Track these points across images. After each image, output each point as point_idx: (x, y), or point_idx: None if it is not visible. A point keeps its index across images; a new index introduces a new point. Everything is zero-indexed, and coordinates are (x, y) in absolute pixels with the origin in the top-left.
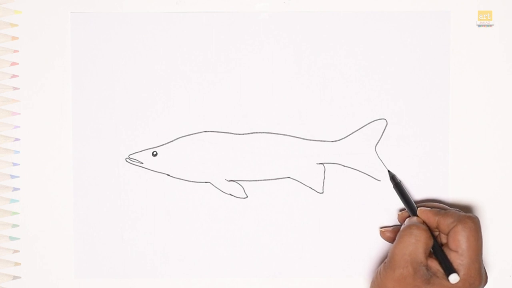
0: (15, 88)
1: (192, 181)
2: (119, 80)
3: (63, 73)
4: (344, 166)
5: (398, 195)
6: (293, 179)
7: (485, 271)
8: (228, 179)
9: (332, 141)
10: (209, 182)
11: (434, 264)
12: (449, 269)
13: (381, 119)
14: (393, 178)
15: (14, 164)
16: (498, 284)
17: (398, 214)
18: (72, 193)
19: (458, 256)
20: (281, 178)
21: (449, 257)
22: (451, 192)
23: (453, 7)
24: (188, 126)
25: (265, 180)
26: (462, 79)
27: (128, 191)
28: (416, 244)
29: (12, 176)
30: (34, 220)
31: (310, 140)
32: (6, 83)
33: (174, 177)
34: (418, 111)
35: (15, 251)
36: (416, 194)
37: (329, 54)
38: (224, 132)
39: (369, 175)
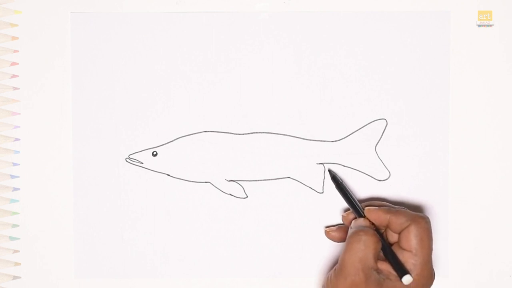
0: (15, 88)
1: (192, 181)
2: (119, 80)
3: (63, 73)
4: (344, 166)
5: (342, 196)
6: (293, 179)
7: (434, 271)
8: (228, 179)
9: (332, 141)
10: (209, 182)
11: (385, 267)
12: (401, 270)
13: (381, 119)
14: (334, 178)
15: (14, 164)
16: (498, 284)
17: (343, 216)
18: (72, 193)
19: (412, 256)
20: (281, 178)
21: (401, 257)
22: (451, 192)
23: (453, 7)
24: (188, 126)
25: (265, 180)
26: (462, 79)
27: (128, 191)
28: (365, 250)
29: (12, 176)
30: (34, 220)
31: (310, 140)
32: (6, 83)
33: (174, 177)
34: (418, 111)
35: (15, 251)
36: (416, 194)
37: (329, 54)
38: (224, 132)
39: (369, 175)
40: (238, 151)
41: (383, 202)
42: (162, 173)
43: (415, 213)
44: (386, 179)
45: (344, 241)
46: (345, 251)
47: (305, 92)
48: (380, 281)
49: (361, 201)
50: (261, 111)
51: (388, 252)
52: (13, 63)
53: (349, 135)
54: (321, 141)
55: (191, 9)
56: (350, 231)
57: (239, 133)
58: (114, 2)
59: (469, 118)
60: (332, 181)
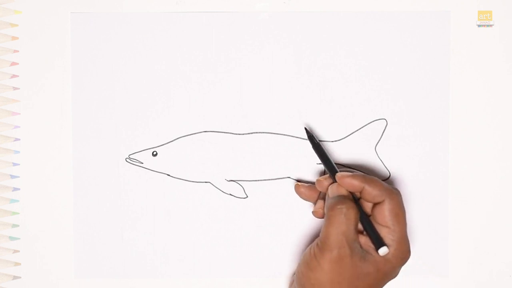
0: (15, 88)
1: (192, 181)
2: (119, 80)
3: (63, 73)
4: (344, 166)
5: (319, 157)
6: (293, 179)
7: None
8: (228, 179)
9: (332, 141)
10: (209, 182)
11: (364, 240)
12: (379, 243)
13: (381, 119)
14: (311, 138)
15: (14, 164)
16: (498, 284)
17: (319, 180)
18: (72, 193)
19: (389, 232)
20: (281, 178)
21: (378, 231)
22: (451, 192)
23: (453, 7)
24: (188, 126)
25: (265, 180)
26: (462, 79)
27: (128, 191)
28: (347, 222)
29: (12, 176)
30: (34, 220)
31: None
32: (6, 83)
33: (174, 177)
34: (418, 111)
35: (15, 251)
36: (416, 194)
37: (329, 54)
38: (224, 132)
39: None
40: (238, 151)
41: (357, 174)
42: (162, 173)
43: (388, 186)
44: (386, 179)
45: (310, 199)
46: (328, 225)
47: (305, 92)
48: (363, 254)
49: (340, 166)
50: (261, 111)
51: (366, 223)
52: (13, 63)
53: (349, 135)
54: (321, 141)
55: (191, 9)
56: (328, 201)
57: (239, 133)
58: (114, 2)
59: (469, 118)
60: (309, 140)
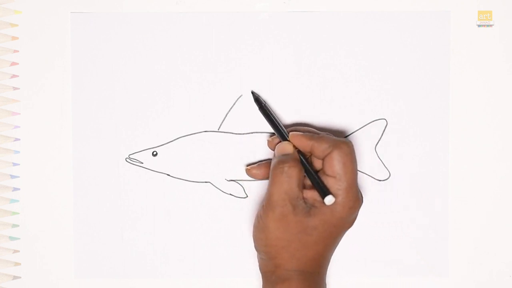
0: (15, 88)
1: (192, 181)
2: (119, 80)
3: (63, 73)
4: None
5: (266, 119)
6: None
7: (361, 193)
8: (228, 179)
9: None
10: (209, 182)
11: (310, 195)
12: (325, 193)
13: (381, 119)
14: (257, 100)
15: (14, 164)
16: (498, 284)
17: (268, 140)
18: (72, 193)
19: (336, 181)
20: None
21: (326, 183)
22: (451, 192)
23: (453, 7)
24: (188, 126)
25: (265, 180)
26: (462, 79)
27: (128, 191)
28: (289, 180)
29: (12, 176)
30: (34, 220)
31: None
32: (6, 83)
33: (174, 177)
34: (418, 111)
35: (15, 251)
36: (416, 194)
37: (329, 54)
38: (224, 132)
39: (369, 175)
40: (238, 151)
41: (308, 128)
42: (162, 173)
43: (338, 138)
44: (386, 179)
45: (264, 177)
46: (270, 185)
47: (305, 92)
48: (307, 209)
49: (287, 126)
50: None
51: (311, 177)
52: (13, 63)
53: (349, 135)
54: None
55: (191, 9)
56: (273, 160)
57: (239, 133)
58: (114, 2)
59: (469, 118)
60: (255, 102)
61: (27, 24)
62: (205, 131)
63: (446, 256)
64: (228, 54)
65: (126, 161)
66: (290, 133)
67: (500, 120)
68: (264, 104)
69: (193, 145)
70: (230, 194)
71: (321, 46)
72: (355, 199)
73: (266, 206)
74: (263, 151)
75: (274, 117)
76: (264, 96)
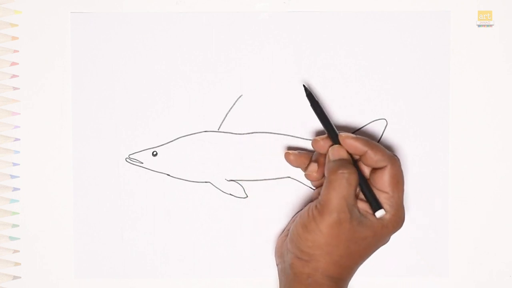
0: (15, 88)
1: (192, 181)
2: (119, 80)
3: (63, 73)
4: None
5: (318, 117)
6: (293, 179)
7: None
8: (228, 179)
9: None
10: (209, 182)
11: (361, 205)
12: (377, 206)
13: (381, 119)
14: (310, 96)
15: (14, 164)
16: (498, 284)
17: (316, 140)
18: (72, 193)
19: (388, 198)
20: (281, 178)
21: (377, 196)
22: (451, 192)
23: (453, 7)
24: (188, 126)
25: (265, 180)
26: (462, 79)
27: (128, 191)
28: (349, 187)
29: (12, 176)
30: (34, 220)
31: (310, 140)
32: (6, 83)
33: (174, 177)
34: (418, 111)
35: (15, 251)
36: (416, 194)
37: (329, 54)
38: (224, 132)
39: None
40: (238, 151)
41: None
42: (162, 173)
43: (390, 152)
44: None
45: (300, 166)
46: (329, 188)
47: (305, 92)
48: (361, 219)
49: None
50: (261, 111)
51: (365, 187)
52: (13, 63)
53: None
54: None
55: (191, 9)
56: (329, 164)
57: (239, 133)
58: (114, 2)
59: (469, 118)
60: (307, 98)
61: (27, 24)
62: (205, 131)
63: (446, 256)
64: (228, 54)
65: (126, 161)
66: (343, 134)
67: (500, 120)
68: (317, 101)
69: (193, 145)
70: (230, 194)
71: (321, 46)
72: (402, 218)
73: (322, 210)
74: (263, 151)
75: (327, 117)
76: (264, 96)
